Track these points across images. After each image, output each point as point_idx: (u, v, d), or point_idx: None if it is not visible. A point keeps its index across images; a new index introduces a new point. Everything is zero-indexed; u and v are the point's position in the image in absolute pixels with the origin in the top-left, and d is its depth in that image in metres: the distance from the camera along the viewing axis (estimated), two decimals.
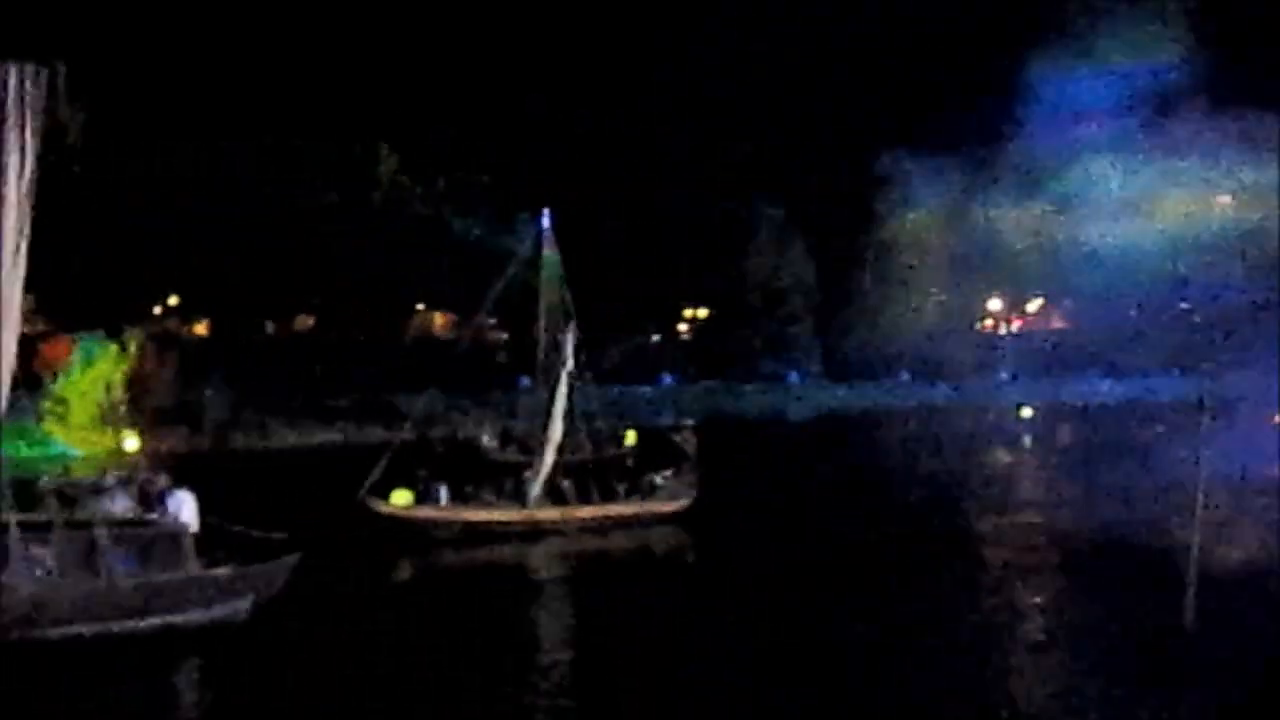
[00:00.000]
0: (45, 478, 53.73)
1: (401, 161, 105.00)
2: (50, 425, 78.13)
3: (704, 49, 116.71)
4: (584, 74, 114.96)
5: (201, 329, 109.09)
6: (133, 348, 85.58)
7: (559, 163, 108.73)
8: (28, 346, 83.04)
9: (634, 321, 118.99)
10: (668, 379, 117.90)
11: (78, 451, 76.49)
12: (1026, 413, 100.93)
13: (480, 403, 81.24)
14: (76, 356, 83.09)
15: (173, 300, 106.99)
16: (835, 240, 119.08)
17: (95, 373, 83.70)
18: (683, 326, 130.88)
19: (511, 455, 56.60)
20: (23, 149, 24.34)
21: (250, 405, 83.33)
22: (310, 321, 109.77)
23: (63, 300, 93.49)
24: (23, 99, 24.25)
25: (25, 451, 73.92)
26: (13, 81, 24.26)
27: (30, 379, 79.72)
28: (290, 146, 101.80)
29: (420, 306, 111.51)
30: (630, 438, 68.40)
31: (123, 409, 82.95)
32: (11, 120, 24.19)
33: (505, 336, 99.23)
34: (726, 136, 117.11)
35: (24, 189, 24.29)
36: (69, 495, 28.90)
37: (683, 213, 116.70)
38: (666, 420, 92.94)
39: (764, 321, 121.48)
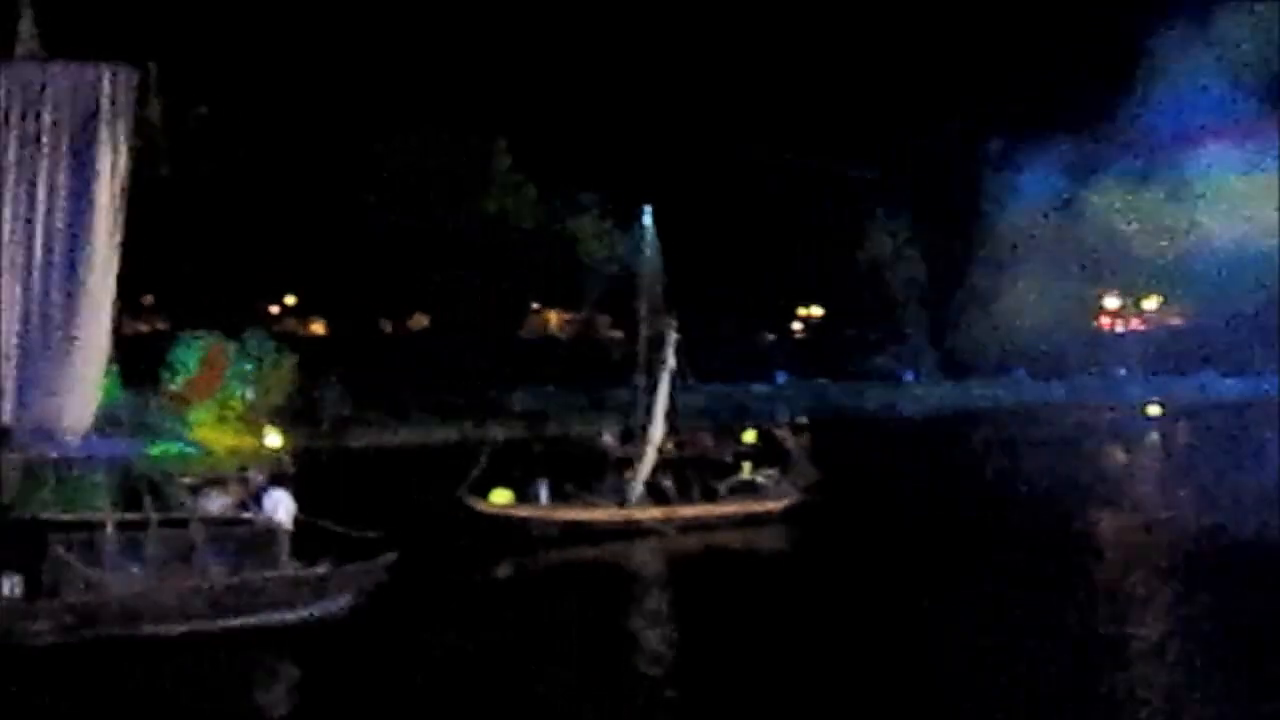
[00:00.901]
0: (187, 476, 54.86)
1: (515, 159, 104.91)
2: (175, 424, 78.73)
3: (816, 43, 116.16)
4: (698, 73, 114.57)
5: (318, 328, 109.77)
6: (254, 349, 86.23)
7: (674, 162, 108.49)
8: (146, 344, 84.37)
9: (748, 320, 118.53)
10: (782, 377, 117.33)
11: (202, 449, 77.15)
12: (1154, 410, 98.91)
13: (595, 400, 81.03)
14: (190, 355, 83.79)
15: (290, 299, 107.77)
16: (948, 236, 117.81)
17: (216, 373, 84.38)
18: (796, 325, 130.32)
19: (632, 452, 56.43)
20: (115, 149, 24.19)
21: (367, 403, 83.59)
22: (426, 320, 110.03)
23: (182, 300, 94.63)
24: (115, 100, 24.15)
25: (153, 448, 74.71)
26: (105, 82, 24.17)
27: (149, 376, 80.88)
28: (405, 144, 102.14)
29: (535, 305, 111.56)
30: (750, 435, 68.08)
31: (245, 407, 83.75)
32: (104, 121, 24.10)
33: (620, 334, 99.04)
34: (838, 133, 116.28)
35: (116, 189, 24.17)
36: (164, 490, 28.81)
37: (796, 210, 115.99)
38: (782, 418, 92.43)
39: (878, 319, 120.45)
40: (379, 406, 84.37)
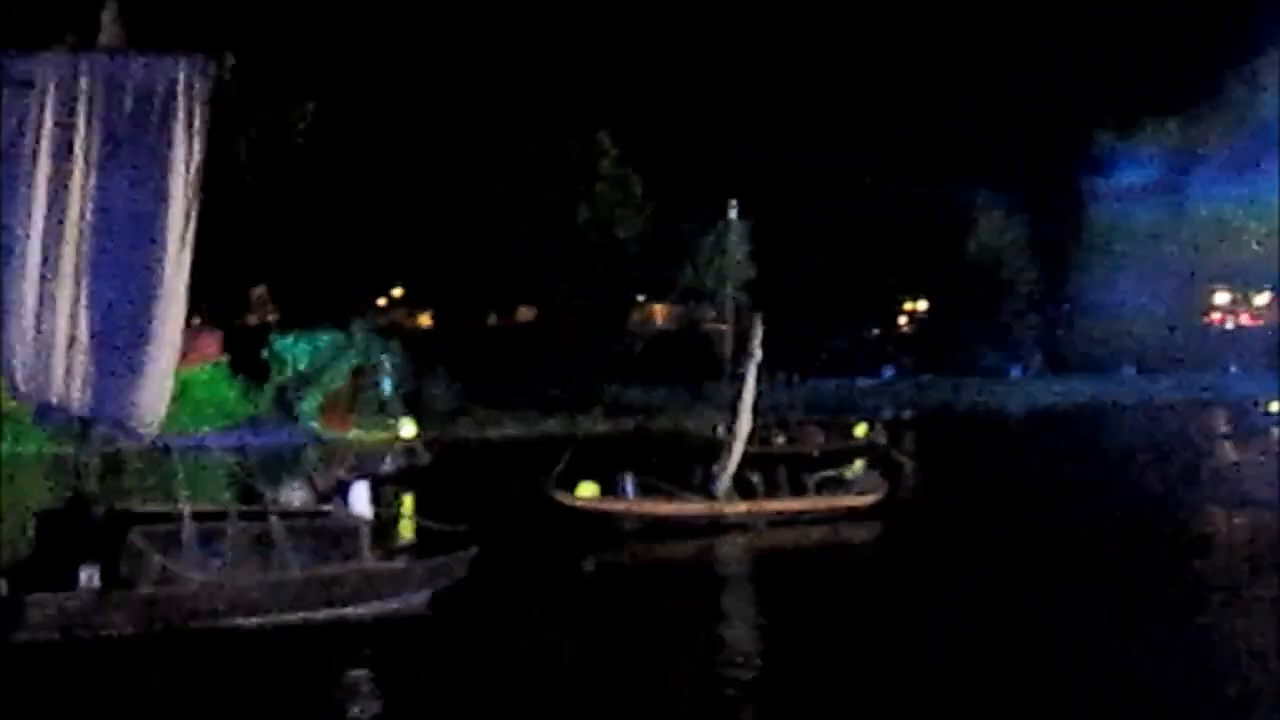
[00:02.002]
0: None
1: (621, 152, 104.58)
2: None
3: (915, 36, 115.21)
4: (800, 66, 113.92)
5: (425, 320, 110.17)
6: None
7: (779, 157, 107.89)
8: (256, 337, 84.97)
9: (854, 314, 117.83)
10: (888, 372, 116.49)
11: (314, 438, 77.47)
12: (1275, 407, 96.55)
13: (700, 394, 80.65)
14: (301, 350, 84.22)
15: (397, 292, 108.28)
16: (1056, 230, 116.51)
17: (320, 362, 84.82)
18: (903, 319, 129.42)
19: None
20: (190, 142, 23.92)
21: (473, 396, 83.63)
22: (532, 313, 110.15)
23: (292, 292, 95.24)
24: (190, 90, 23.90)
25: (255, 437, 74.98)
26: (181, 72, 23.92)
27: (260, 368, 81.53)
28: (512, 137, 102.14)
29: (641, 298, 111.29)
30: (861, 430, 67.62)
31: (352, 398, 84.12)
32: (180, 111, 23.86)
33: (725, 327, 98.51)
34: (944, 126, 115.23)
35: (191, 181, 23.90)
36: None
37: (902, 205, 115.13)
38: (887, 414, 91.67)
39: (985, 313, 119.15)
40: (484, 399, 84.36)
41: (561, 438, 62.34)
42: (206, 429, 71.26)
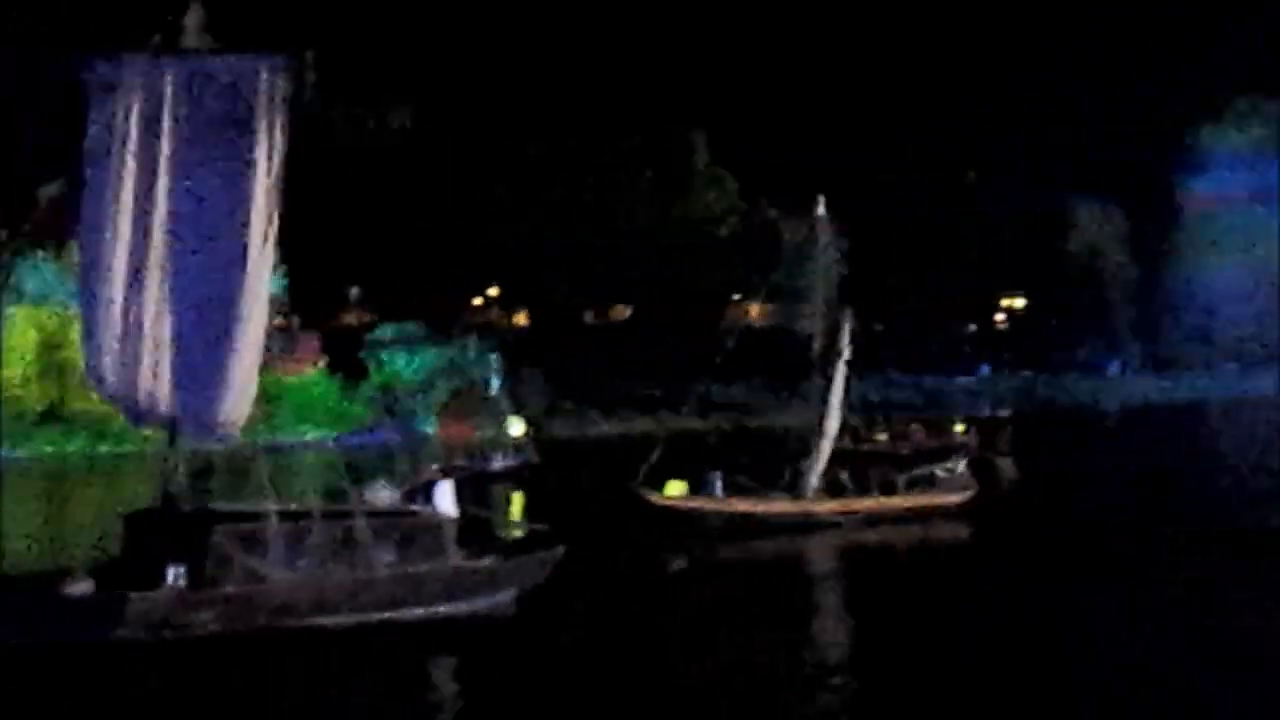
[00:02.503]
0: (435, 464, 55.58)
1: (715, 151, 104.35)
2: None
3: (1010, 36, 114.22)
4: (895, 65, 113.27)
5: (521, 319, 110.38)
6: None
7: (874, 156, 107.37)
8: (353, 336, 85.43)
9: (949, 312, 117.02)
10: (984, 369, 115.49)
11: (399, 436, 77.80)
12: None
13: (795, 392, 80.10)
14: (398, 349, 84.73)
15: (493, 291, 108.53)
16: (1155, 227, 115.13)
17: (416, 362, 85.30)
18: (999, 317, 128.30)
19: (845, 443, 56.04)
20: (271, 142, 23.88)
21: (568, 394, 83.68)
22: (627, 311, 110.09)
23: (388, 293, 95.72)
24: (271, 91, 23.85)
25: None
26: (262, 74, 23.87)
27: (357, 368, 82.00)
28: (606, 137, 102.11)
29: (736, 296, 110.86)
30: (959, 427, 67.12)
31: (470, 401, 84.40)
32: (260, 112, 23.81)
33: (821, 326, 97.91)
34: (1042, 123, 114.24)
35: (272, 181, 23.83)
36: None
37: (1000, 203, 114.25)
38: (984, 411, 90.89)
39: (1082, 310, 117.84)
40: (579, 398, 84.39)
41: (656, 436, 62.21)
42: (330, 432, 72.45)
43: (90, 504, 47.15)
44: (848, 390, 41.77)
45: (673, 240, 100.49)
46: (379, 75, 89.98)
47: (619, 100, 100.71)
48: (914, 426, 65.47)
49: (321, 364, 79.52)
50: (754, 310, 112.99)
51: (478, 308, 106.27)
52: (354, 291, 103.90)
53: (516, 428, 66.30)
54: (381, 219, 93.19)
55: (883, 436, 61.35)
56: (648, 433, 69.31)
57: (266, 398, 67.55)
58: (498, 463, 56.79)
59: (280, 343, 73.84)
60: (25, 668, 21.78)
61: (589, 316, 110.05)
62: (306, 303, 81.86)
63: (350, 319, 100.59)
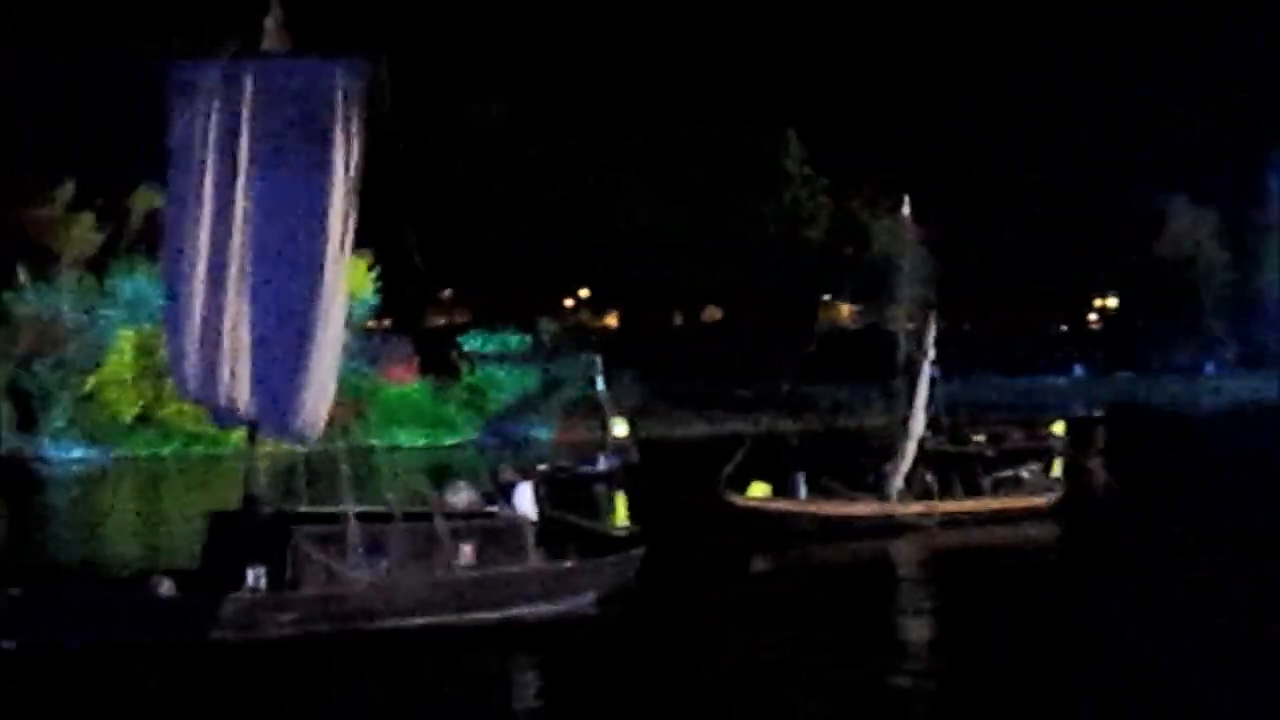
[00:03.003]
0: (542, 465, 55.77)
1: (807, 151, 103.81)
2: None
3: (1104, 35, 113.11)
4: (985, 64, 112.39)
5: (611, 321, 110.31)
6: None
7: (969, 155, 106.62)
8: (445, 337, 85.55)
9: (1041, 313, 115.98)
10: (1077, 369, 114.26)
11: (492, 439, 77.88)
12: None
13: (886, 393, 79.52)
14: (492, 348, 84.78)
15: (584, 293, 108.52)
16: (1249, 225, 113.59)
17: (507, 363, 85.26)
18: (1092, 316, 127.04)
19: (944, 444, 55.52)
20: (348, 144, 23.75)
21: (659, 395, 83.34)
22: (718, 313, 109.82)
23: (480, 293, 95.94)
24: (348, 94, 23.72)
25: (446, 438, 75.69)
26: (338, 76, 23.74)
27: (448, 368, 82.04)
28: (698, 137, 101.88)
29: (826, 297, 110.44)
30: (1059, 428, 66.34)
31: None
32: (338, 114, 23.69)
33: (911, 326, 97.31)
34: (1136, 125, 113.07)
35: (350, 184, 23.72)
36: None
37: (1091, 203, 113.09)
38: (1077, 412, 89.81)
39: (1177, 310, 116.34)
40: (670, 399, 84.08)
41: (747, 437, 61.80)
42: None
43: (183, 505, 47.37)
44: (933, 391, 41.17)
45: (763, 241, 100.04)
46: (472, 73, 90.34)
47: (710, 100, 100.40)
48: (1010, 427, 64.83)
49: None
50: (844, 311, 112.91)
51: (568, 309, 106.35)
52: (447, 293, 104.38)
53: (620, 429, 66.15)
54: (473, 220, 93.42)
55: (981, 438, 60.76)
56: (738, 433, 68.97)
57: (359, 400, 68.22)
58: (602, 464, 56.71)
59: (376, 349, 74.46)
60: (106, 668, 21.76)
61: (679, 318, 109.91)
62: (398, 304, 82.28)
63: (441, 319, 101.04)
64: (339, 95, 23.70)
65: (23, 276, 65.48)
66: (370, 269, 77.77)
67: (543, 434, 77.06)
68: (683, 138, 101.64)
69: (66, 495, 52.84)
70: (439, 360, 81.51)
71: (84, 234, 66.67)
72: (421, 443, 74.47)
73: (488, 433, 77.24)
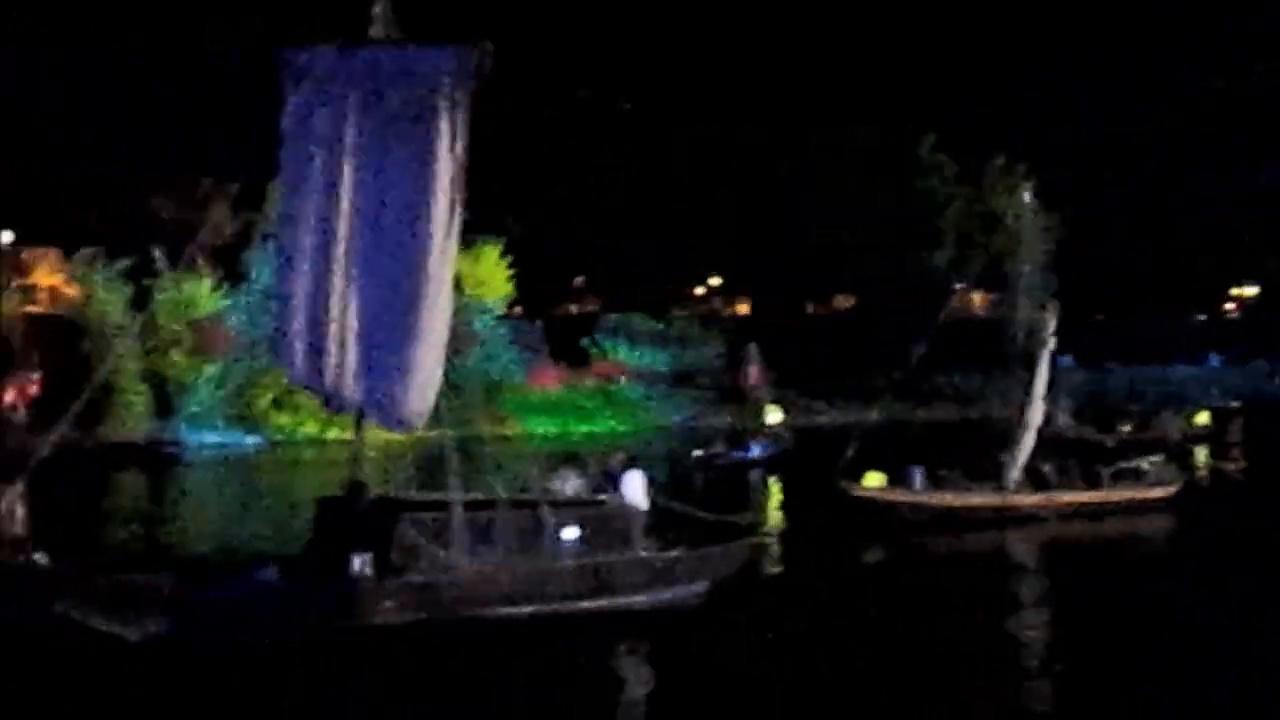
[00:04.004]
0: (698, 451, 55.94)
1: (939, 140, 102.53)
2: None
3: (1237, 25, 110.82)
4: (1118, 49, 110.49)
5: (743, 309, 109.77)
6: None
7: (1102, 140, 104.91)
8: (576, 325, 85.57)
9: (1175, 302, 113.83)
10: (1213, 359, 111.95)
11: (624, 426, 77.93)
12: None
13: (1020, 382, 78.26)
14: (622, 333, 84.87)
15: (715, 280, 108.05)
16: None
17: (639, 351, 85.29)
18: (1229, 305, 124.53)
19: (1089, 434, 54.74)
20: (454, 133, 23.46)
21: (790, 384, 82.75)
22: (850, 301, 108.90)
23: (611, 282, 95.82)
24: (453, 82, 23.43)
25: (579, 426, 75.82)
26: (444, 64, 23.46)
27: (579, 356, 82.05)
28: (833, 126, 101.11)
29: (958, 285, 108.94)
30: (1203, 418, 65.06)
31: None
32: (443, 103, 23.40)
33: (1029, 315, 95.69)
34: (1271, 108, 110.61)
35: (455, 172, 23.43)
36: None
37: (1230, 189, 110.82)
38: (1212, 402, 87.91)
39: None
40: (801, 387, 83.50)
41: (878, 425, 61.06)
42: None
43: (312, 490, 47.62)
44: (1053, 380, 40.28)
45: (895, 229, 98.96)
46: (592, 61, 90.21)
47: (840, 89, 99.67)
48: (1160, 418, 63.77)
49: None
50: (977, 299, 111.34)
51: (699, 296, 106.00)
52: (578, 281, 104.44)
53: (774, 415, 65.85)
54: (604, 208, 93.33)
55: (1127, 429, 59.79)
56: (869, 422, 68.12)
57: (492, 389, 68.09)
58: (756, 450, 56.56)
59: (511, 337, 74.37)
60: (212, 656, 21.61)
61: (810, 306, 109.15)
62: (530, 293, 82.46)
63: (573, 308, 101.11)
64: (445, 83, 23.45)
65: (161, 264, 66.28)
66: (502, 257, 78.07)
67: (714, 421, 77.17)
68: (810, 127, 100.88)
69: (200, 480, 53.35)
70: (570, 348, 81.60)
71: (220, 222, 67.32)
72: (554, 430, 74.59)
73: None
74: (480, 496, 24.63)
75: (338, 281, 23.52)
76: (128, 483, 50.93)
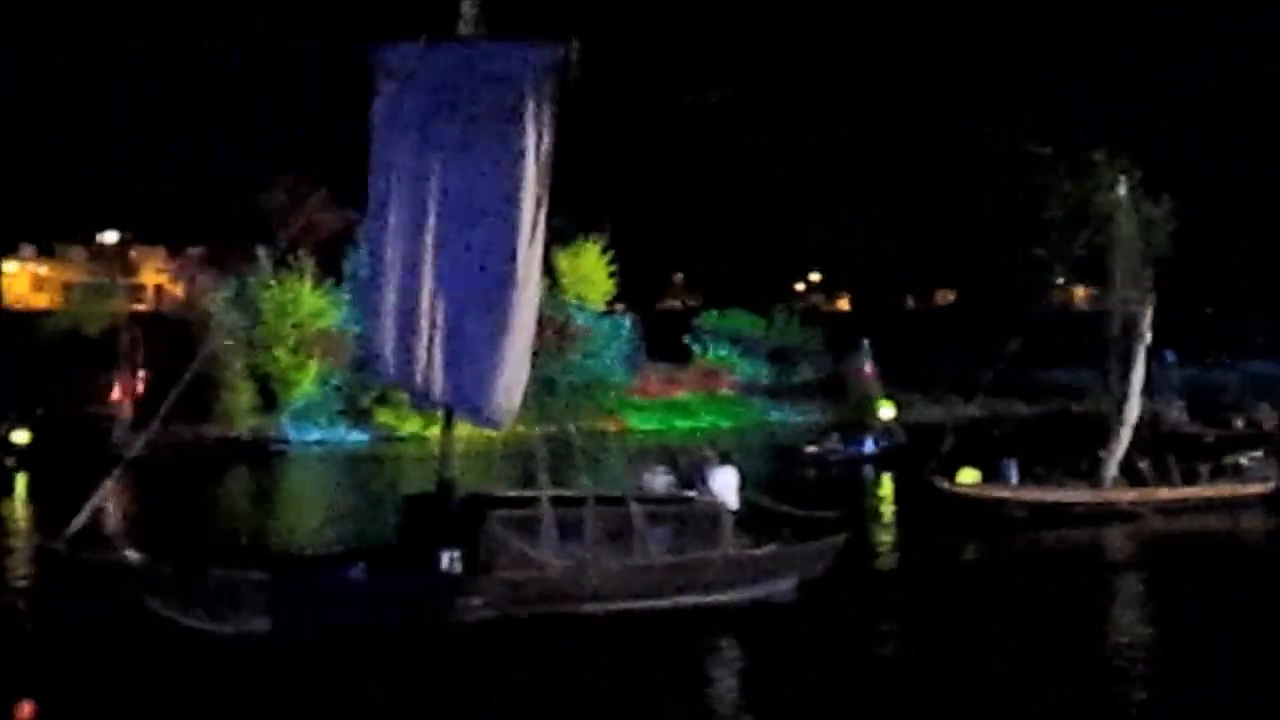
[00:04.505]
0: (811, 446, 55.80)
1: (1032, 131, 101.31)
2: None
3: None
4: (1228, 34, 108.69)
5: (843, 304, 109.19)
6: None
7: (1205, 130, 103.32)
8: (676, 320, 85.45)
9: None
10: None
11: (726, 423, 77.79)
12: None
13: (1121, 377, 77.15)
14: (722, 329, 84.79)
15: (815, 276, 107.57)
16: None
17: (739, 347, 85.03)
18: None
19: (1202, 430, 53.79)
20: (540, 128, 23.33)
21: (892, 380, 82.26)
22: (951, 296, 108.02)
23: (711, 277, 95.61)
24: (540, 78, 23.28)
25: (681, 422, 75.76)
26: (531, 60, 23.33)
27: (680, 351, 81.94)
28: (922, 119, 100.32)
29: (1060, 280, 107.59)
30: None
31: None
32: (530, 99, 23.26)
33: (1126, 309, 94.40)
34: None
35: (542, 167, 23.29)
36: None
37: None
38: None
39: None
40: (903, 383, 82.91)
41: (980, 420, 60.41)
42: None
43: (408, 488, 47.76)
44: (1148, 375, 39.54)
45: (996, 223, 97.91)
46: (696, 61, 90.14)
47: (934, 82, 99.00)
48: (1270, 413, 62.55)
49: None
50: (1079, 293, 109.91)
51: (799, 292, 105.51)
52: (678, 277, 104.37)
53: (887, 411, 65.48)
54: (705, 205, 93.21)
55: (1239, 423, 58.72)
56: (970, 417, 67.32)
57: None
58: (869, 446, 56.24)
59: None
60: (301, 651, 21.61)
61: (911, 301, 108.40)
62: (632, 289, 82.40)
63: (674, 303, 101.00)
64: (530, 79, 23.29)
65: (264, 261, 66.71)
66: (604, 253, 78.08)
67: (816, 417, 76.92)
68: (905, 121, 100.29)
69: (303, 477, 53.68)
70: (671, 342, 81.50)
71: (321, 220, 67.74)
72: (655, 427, 74.55)
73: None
74: (569, 493, 24.48)
75: (426, 277, 23.45)
76: (234, 479, 51.32)
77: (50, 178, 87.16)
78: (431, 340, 23.50)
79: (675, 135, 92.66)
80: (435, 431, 61.90)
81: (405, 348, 23.63)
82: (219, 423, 62.99)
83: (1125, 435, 38.14)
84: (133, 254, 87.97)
